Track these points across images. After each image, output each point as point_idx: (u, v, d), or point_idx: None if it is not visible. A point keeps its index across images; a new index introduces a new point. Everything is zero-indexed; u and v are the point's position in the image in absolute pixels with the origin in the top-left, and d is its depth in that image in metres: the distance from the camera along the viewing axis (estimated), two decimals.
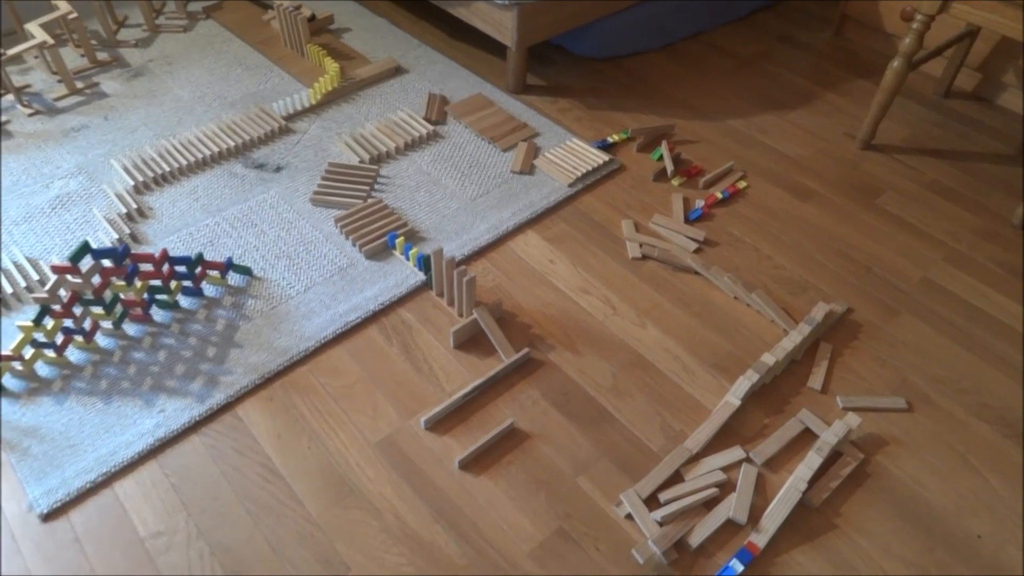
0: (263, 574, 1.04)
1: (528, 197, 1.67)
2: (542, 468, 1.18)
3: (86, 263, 1.44)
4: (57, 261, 1.44)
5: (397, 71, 2.05)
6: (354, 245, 1.52)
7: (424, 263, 1.45)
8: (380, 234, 1.54)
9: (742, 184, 1.75)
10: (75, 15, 1.91)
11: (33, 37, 1.82)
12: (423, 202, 1.65)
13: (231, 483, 1.15)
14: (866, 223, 1.66)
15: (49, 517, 1.10)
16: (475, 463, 1.19)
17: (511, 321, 1.41)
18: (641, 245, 1.58)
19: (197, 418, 1.22)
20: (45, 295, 1.19)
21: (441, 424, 1.24)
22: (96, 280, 1.34)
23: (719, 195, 1.70)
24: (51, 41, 1.81)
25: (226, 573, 1.04)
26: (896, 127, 1.95)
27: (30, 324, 1.21)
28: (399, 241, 1.50)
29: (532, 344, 1.37)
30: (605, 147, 1.83)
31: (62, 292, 1.24)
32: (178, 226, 1.56)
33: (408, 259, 1.49)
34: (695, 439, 1.22)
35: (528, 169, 1.75)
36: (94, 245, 1.49)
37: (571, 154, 1.79)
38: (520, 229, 1.61)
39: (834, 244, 1.60)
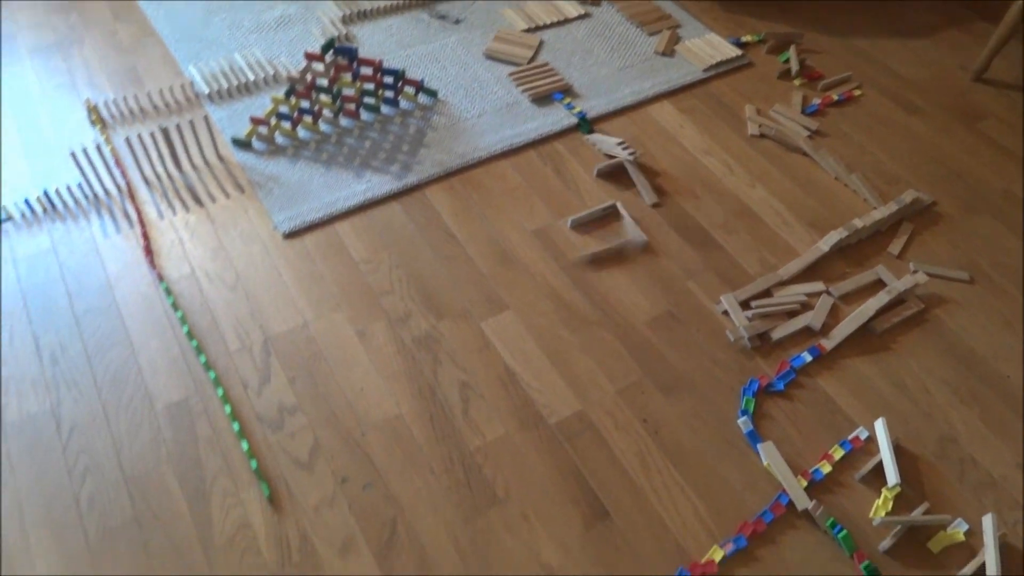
0: (445, 300, 1.39)
1: (667, 74, 1.93)
2: (660, 268, 1.49)
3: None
4: (309, 50, 1.78)
5: None
6: (523, 93, 1.82)
7: (584, 121, 1.74)
8: (543, 86, 1.83)
9: (857, 92, 1.96)
10: None
11: None
12: (578, 65, 1.93)
13: (422, 236, 1.49)
14: (963, 140, 1.86)
15: (289, 236, 1.46)
16: (607, 256, 1.49)
17: (643, 169, 1.70)
18: (760, 125, 1.83)
19: (395, 190, 1.56)
20: (297, 74, 1.53)
21: (583, 226, 1.55)
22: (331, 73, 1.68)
23: (835, 97, 1.92)
24: None
25: (419, 294, 1.39)
26: (1010, 66, 2.11)
27: (281, 96, 1.56)
28: (565, 100, 1.79)
29: (658, 188, 1.65)
30: (738, 44, 2.06)
31: (308, 77, 1.58)
32: (376, 53, 1.88)
33: (571, 111, 1.78)
34: (786, 269, 1.50)
35: (669, 52, 2.00)
36: None
37: (708, 46, 2.03)
38: (657, 99, 1.88)
39: (931, 151, 1.82)
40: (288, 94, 1.56)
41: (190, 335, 1.28)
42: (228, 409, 1.19)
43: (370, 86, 1.68)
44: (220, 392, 1.21)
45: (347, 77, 1.62)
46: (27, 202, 1.42)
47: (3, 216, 1.41)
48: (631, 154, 1.65)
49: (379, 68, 1.63)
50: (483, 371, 1.29)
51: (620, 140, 1.68)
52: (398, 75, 1.68)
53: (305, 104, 1.61)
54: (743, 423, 1.23)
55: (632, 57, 1.97)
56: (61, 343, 1.26)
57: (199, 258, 1.41)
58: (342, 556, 1.06)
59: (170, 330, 1.29)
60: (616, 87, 1.88)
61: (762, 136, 1.82)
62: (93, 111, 1.63)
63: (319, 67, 1.56)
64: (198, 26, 1.90)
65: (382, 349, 1.31)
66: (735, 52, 2.01)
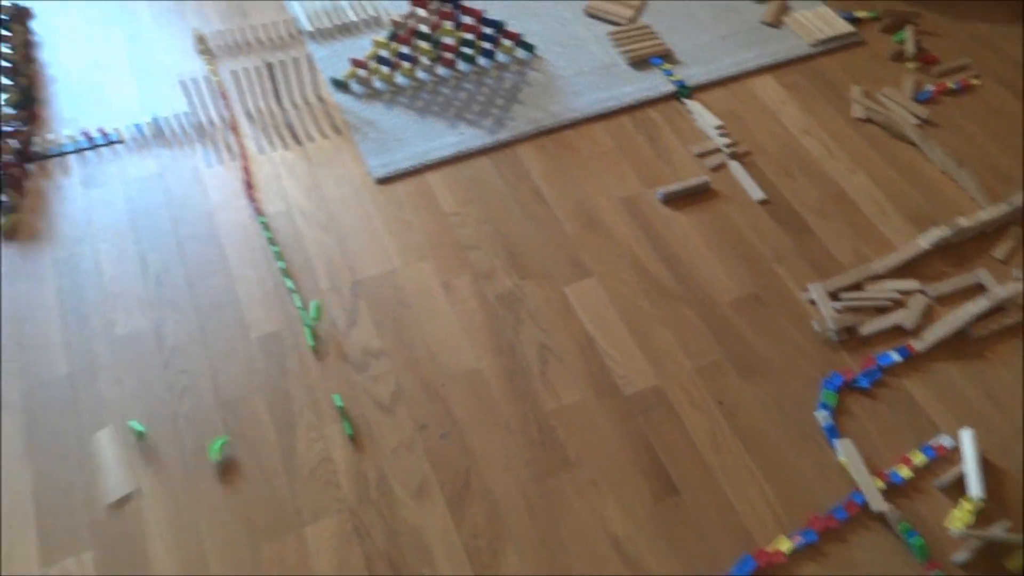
0: (530, 260, 1.39)
1: (772, 46, 1.86)
2: (747, 248, 1.45)
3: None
4: None
5: None
6: (621, 55, 1.78)
7: (682, 89, 1.70)
8: (643, 50, 1.78)
9: (975, 81, 1.85)
10: None
11: None
12: (679, 29, 1.87)
13: (511, 194, 1.49)
14: None
15: (382, 182, 1.49)
16: (697, 233, 1.47)
17: (740, 156, 1.65)
18: (866, 108, 1.75)
19: (487, 145, 1.56)
20: (400, 18, 1.53)
21: (674, 199, 1.52)
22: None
23: (950, 85, 1.82)
24: None
25: (504, 252, 1.40)
26: None
27: (383, 40, 1.56)
28: (664, 66, 1.74)
29: (752, 165, 1.61)
30: (851, 20, 1.96)
31: (410, 22, 1.58)
32: (476, 3, 1.86)
33: (669, 78, 1.73)
34: (881, 263, 1.45)
35: (777, 23, 1.92)
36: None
37: (818, 18, 1.94)
38: (759, 72, 1.81)
39: None
40: (390, 38, 1.56)
41: (285, 272, 1.33)
42: (313, 344, 1.23)
43: (469, 36, 1.67)
44: (309, 331, 1.25)
45: (448, 25, 1.61)
46: (138, 127, 1.48)
47: (115, 138, 1.47)
48: (728, 145, 1.60)
49: (480, 18, 1.62)
50: (563, 335, 1.30)
51: (719, 124, 1.63)
52: (498, 27, 1.66)
53: (405, 50, 1.61)
54: (822, 416, 1.22)
55: (737, 25, 1.90)
56: (165, 266, 1.32)
57: (295, 196, 1.44)
58: (417, 499, 1.10)
59: (265, 264, 1.34)
60: (718, 56, 1.82)
61: (868, 120, 1.74)
62: (201, 41, 1.66)
63: (422, 13, 1.56)
64: None
65: (466, 303, 1.33)
66: (847, 28, 1.91)
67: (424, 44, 1.64)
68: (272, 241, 1.36)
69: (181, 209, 1.40)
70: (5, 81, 1.46)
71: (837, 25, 1.92)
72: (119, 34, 1.68)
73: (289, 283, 1.31)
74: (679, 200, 1.53)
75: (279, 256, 1.34)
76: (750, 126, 1.68)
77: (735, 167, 1.60)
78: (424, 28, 1.59)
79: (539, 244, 1.42)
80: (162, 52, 1.66)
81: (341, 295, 1.31)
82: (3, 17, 1.59)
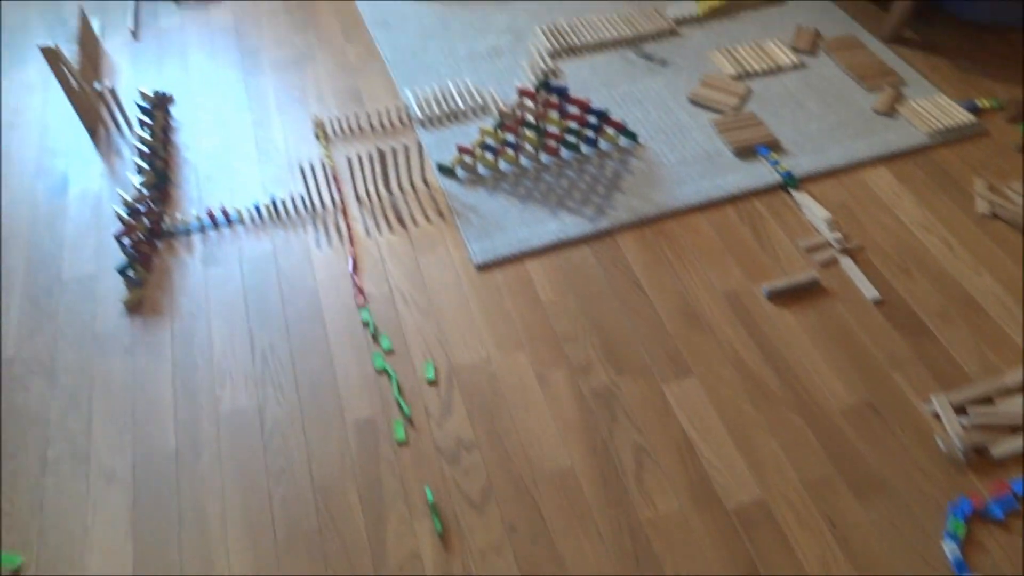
0: (628, 355, 1.36)
1: (885, 136, 1.79)
2: (862, 352, 1.37)
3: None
4: (523, 86, 1.82)
5: (776, 0, 2.21)
6: (725, 143, 1.76)
7: (789, 180, 1.66)
8: (748, 138, 1.75)
9: None
10: None
11: None
12: (786, 118, 1.83)
13: (609, 286, 1.47)
14: None
15: (482, 268, 1.50)
16: (806, 333, 1.40)
17: (852, 252, 1.58)
18: (991, 203, 1.64)
19: (587, 234, 1.56)
20: (507, 109, 1.57)
21: (780, 296, 1.46)
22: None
23: None
24: None
25: (601, 345, 1.37)
26: None
27: (490, 128, 1.61)
28: (770, 156, 1.71)
29: (865, 262, 1.53)
30: (972, 110, 1.87)
31: (518, 111, 1.62)
32: (580, 90, 1.90)
33: (775, 168, 1.69)
34: (1014, 376, 1.33)
35: (890, 112, 1.85)
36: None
37: (935, 108, 1.86)
38: (872, 163, 1.74)
39: None
40: (497, 127, 1.61)
41: (383, 357, 1.35)
42: (402, 435, 1.24)
43: (574, 124, 1.70)
44: (402, 418, 1.26)
45: (554, 114, 1.64)
46: (257, 207, 1.56)
47: (235, 218, 1.56)
48: (839, 240, 1.54)
49: (586, 108, 1.64)
50: (660, 437, 1.25)
51: (829, 216, 1.57)
52: (602, 116, 1.68)
53: (510, 137, 1.65)
54: (950, 549, 1.10)
55: (847, 114, 1.85)
56: (271, 343, 1.37)
57: (397, 279, 1.48)
58: None
59: (366, 346, 1.36)
60: (827, 145, 1.76)
61: (993, 216, 1.63)
62: (319, 126, 1.76)
63: (530, 104, 1.59)
64: (416, 51, 2.01)
65: (560, 397, 1.30)
66: (967, 118, 1.82)
67: (529, 132, 1.68)
68: (372, 324, 1.39)
69: (290, 288, 1.46)
70: (143, 165, 1.59)
71: (956, 115, 1.84)
72: (247, 119, 1.80)
73: (386, 366, 1.32)
74: (786, 297, 1.47)
75: (377, 338, 1.37)
76: (863, 220, 1.61)
77: (847, 263, 1.53)
78: (530, 118, 1.63)
79: (637, 338, 1.39)
80: (284, 136, 1.77)
81: (437, 383, 1.32)
82: (145, 105, 1.74)
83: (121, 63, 1.96)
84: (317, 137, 1.75)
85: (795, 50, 2.03)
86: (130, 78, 1.92)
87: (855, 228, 1.60)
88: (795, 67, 1.98)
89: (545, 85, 1.57)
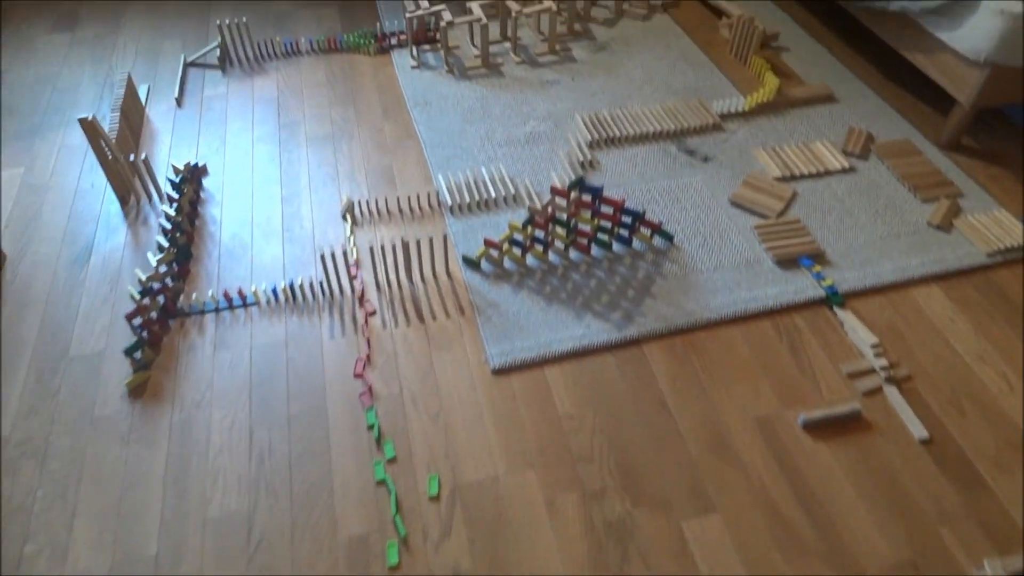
0: (647, 482, 1.26)
1: (940, 252, 1.68)
2: (906, 501, 1.24)
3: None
4: (557, 184, 1.78)
5: (828, 99, 2.14)
6: (767, 251, 1.67)
7: (833, 296, 1.56)
8: (791, 247, 1.67)
9: None
10: None
11: (541, 2, 2.23)
12: (833, 226, 1.74)
13: (632, 401, 1.38)
14: None
15: (498, 372, 1.43)
16: (844, 473, 1.28)
17: (897, 364, 1.46)
18: None
19: (613, 342, 1.48)
20: (539, 207, 1.52)
21: (817, 427, 1.35)
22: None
23: None
24: (554, 7, 2.19)
25: (618, 469, 1.27)
26: None
27: (518, 224, 1.55)
28: (814, 268, 1.61)
29: (913, 393, 1.41)
30: None
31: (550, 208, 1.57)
32: (617, 183, 1.84)
33: (819, 282, 1.59)
34: None
35: (946, 226, 1.74)
36: (556, 183, 1.83)
37: (995, 224, 1.75)
38: (925, 281, 1.63)
39: None
40: (526, 223, 1.55)
41: (384, 468, 1.27)
42: (395, 559, 1.15)
43: (607, 223, 1.63)
44: (398, 539, 1.17)
45: (587, 213, 1.59)
46: (274, 290, 1.53)
47: (251, 300, 1.53)
48: (885, 367, 1.43)
49: (621, 208, 1.58)
50: None
51: (876, 342, 1.47)
52: (637, 216, 1.61)
53: (539, 234, 1.60)
54: None
55: (899, 225, 1.74)
56: (270, 443, 1.30)
57: (409, 378, 1.41)
58: None
59: (368, 453, 1.29)
60: (876, 259, 1.66)
61: None
62: (347, 208, 1.73)
63: (562, 201, 1.54)
64: (455, 133, 1.99)
65: (569, 526, 1.20)
66: None
67: (560, 229, 1.62)
68: (378, 429, 1.32)
69: (297, 381, 1.40)
70: (163, 242, 1.57)
71: (1017, 233, 1.72)
72: (276, 195, 1.79)
73: (386, 478, 1.25)
74: (824, 429, 1.35)
75: (380, 444, 1.30)
76: (912, 345, 1.50)
77: (892, 394, 1.41)
78: (561, 215, 1.57)
79: (658, 464, 1.29)
80: (312, 215, 1.74)
81: (439, 500, 1.23)
82: (176, 179, 1.74)
83: (162, 130, 1.99)
84: (344, 218, 1.72)
85: (845, 153, 1.95)
86: (168, 146, 1.94)
87: (903, 353, 1.48)
88: (845, 171, 1.90)
89: (579, 183, 1.52)
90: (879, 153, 1.94)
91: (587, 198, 1.55)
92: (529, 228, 1.57)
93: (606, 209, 1.64)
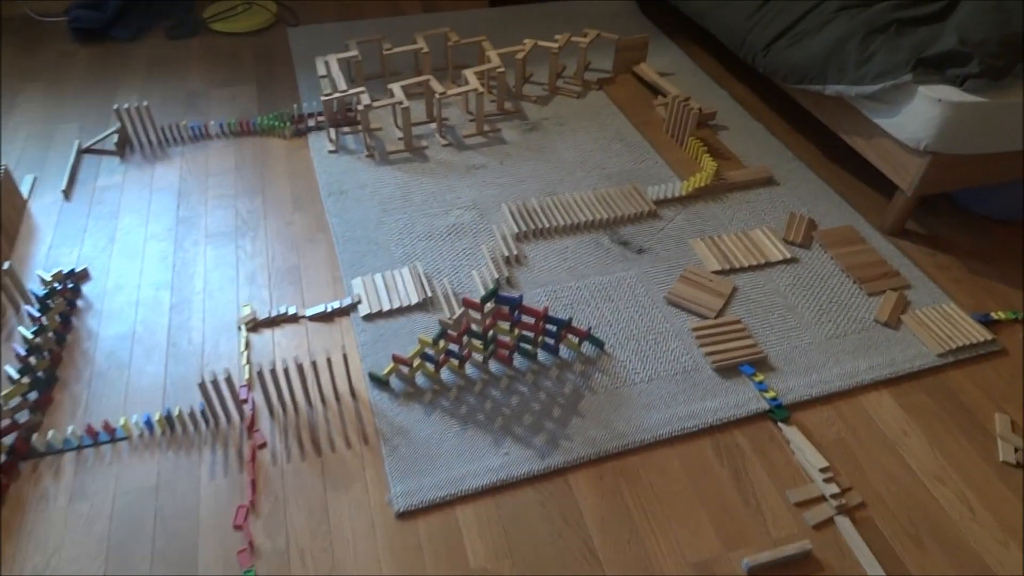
0: None
1: (889, 354, 1.57)
2: None
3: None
4: (469, 296, 1.64)
5: (768, 181, 2.05)
6: (706, 356, 1.54)
7: (778, 409, 1.43)
8: (732, 354, 1.53)
9: None
10: (502, 69, 2.19)
11: (467, 83, 2.12)
12: (776, 326, 1.62)
13: (555, 549, 1.21)
14: None
15: (402, 516, 1.25)
16: None
17: (849, 490, 1.32)
18: (1017, 449, 1.39)
19: (535, 473, 1.31)
20: (450, 321, 1.36)
21: (765, 573, 1.20)
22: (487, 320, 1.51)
23: None
24: (482, 89, 2.08)
25: None
26: None
27: (429, 339, 1.39)
28: (756, 377, 1.48)
29: (869, 519, 1.27)
30: (987, 323, 1.66)
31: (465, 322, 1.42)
32: (545, 280, 1.70)
33: (762, 393, 1.46)
34: None
35: (893, 323, 1.64)
36: (478, 283, 1.68)
37: (945, 320, 1.65)
38: (875, 386, 1.51)
39: None
40: (437, 339, 1.39)
41: None
42: None
43: (529, 333, 1.49)
44: None
45: (505, 325, 1.44)
46: (148, 422, 1.33)
47: (121, 435, 1.33)
48: (836, 495, 1.29)
49: (543, 317, 1.43)
50: None
51: (825, 466, 1.33)
52: (563, 324, 1.47)
53: (454, 348, 1.44)
54: None
55: (845, 323, 1.63)
56: None
57: (299, 528, 1.22)
58: None
59: None
60: (822, 363, 1.54)
61: (1018, 466, 1.38)
62: (244, 318, 1.56)
63: (476, 315, 1.39)
64: (370, 225, 1.83)
65: None
66: (982, 335, 1.61)
67: (477, 341, 1.47)
68: None
69: (165, 538, 1.20)
70: (12, 374, 1.36)
71: (968, 329, 1.62)
72: (165, 303, 1.61)
73: None
74: (772, 573, 1.20)
75: None
76: (864, 465, 1.36)
77: (845, 526, 1.27)
78: (475, 327, 1.42)
79: None
80: (203, 326, 1.56)
81: None
82: (43, 292, 1.53)
83: (44, 227, 1.79)
84: (239, 329, 1.55)
85: (787, 242, 1.84)
86: (48, 247, 1.74)
87: (855, 474, 1.34)
88: (787, 261, 1.79)
89: (493, 294, 1.38)
90: (822, 241, 1.85)
91: (504, 310, 1.40)
92: (442, 343, 1.41)
93: (527, 319, 1.50)
